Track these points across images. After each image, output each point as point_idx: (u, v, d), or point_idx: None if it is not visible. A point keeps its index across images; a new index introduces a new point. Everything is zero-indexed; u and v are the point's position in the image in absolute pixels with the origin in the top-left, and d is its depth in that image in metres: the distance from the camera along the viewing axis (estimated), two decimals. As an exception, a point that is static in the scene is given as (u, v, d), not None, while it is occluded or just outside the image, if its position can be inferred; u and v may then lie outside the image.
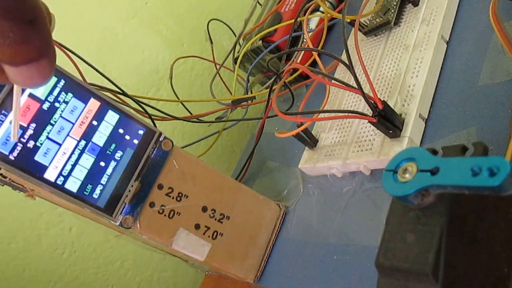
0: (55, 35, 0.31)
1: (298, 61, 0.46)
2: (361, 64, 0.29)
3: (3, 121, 0.26)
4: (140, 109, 0.36)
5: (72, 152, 0.29)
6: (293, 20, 0.39)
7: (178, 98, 0.51)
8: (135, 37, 0.60)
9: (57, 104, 0.28)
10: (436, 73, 0.32)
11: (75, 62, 0.33)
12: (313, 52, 0.39)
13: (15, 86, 0.18)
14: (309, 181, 0.38)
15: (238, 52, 0.52)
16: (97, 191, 0.29)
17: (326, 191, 0.35)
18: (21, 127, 0.27)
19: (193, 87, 0.65)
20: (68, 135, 0.29)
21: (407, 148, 0.24)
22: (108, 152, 0.30)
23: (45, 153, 0.28)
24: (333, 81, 0.29)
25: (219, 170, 0.36)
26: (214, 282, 0.43)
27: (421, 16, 0.35)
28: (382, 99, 0.28)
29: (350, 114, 0.30)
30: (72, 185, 0.28)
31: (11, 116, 0.26)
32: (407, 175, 0.16)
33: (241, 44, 0.54)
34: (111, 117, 0.30)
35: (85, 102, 0.29)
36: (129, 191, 0.30)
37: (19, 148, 0.27)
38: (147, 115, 0.37)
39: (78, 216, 0.34)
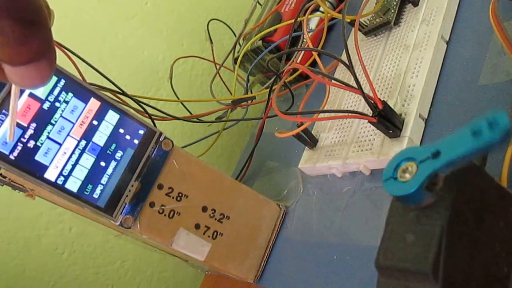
0: (55, 35, 0.31)
1: (298, 61, 0.46)
2: (361, 64, 0.29)
3: (3, 121, 0.26)
4: (140, 109, 0.36)
5: (73, 152, 0.29)
6: (293, 20, 0.39)
7: (178, 98, 0.51)
8: (135, 37, 0.60)
9: (57, 104, 0.28)
10: (436, 73, 0.32)
11: (75, 62, 0.33)
12: (313, 52, 0.39)
13: (13, 86, 0.18)
14: (309, 181, 0.38)
15: (238, 52, 0.52)
16: (98, 191, 0.29)
17: (326, 191, 0.35)
18: (21, 127, 0.27)
19: (193, 87, 0.65)
20: (68, 135, 0.29)
21: (407, 148, 0.24)
22: (108, 152, 0.30)
23: (46, 153, 0.28)
24: (333, 81, 0.30)
25: (219, 170, 0.36)
26: (214, 282, 0.43)
27: (421, 16, 0.35)
28: (382, 99, 0.29)
29: (350, 114, 0.30)
30: (73, 185, 0.28)
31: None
32: (407, 175, 0.16)
33: (241, 44, 0.54)
34: (112, 117, 0.30)
35: (86, 102, 0.29)
36: (129, 191, 0.30)
37: (19, 148, 0.27)
38: (147, 115, 0.37)
39: (78, 216, 0.34)
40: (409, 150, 0.17)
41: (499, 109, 0.14)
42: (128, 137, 0.31)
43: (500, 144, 0.14)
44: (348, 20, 0.38)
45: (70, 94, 0.29)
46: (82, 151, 0.29)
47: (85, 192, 0.29)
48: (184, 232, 0.33)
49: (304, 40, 0.47)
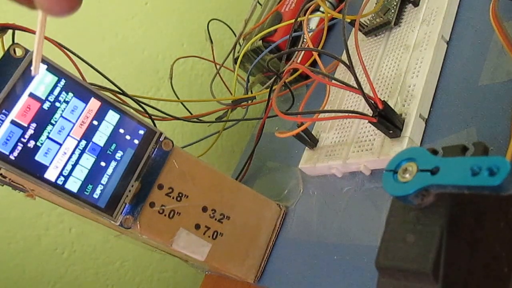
0: (55, 36, 0.31)
1: (298, 61, 0.46)
2: (361, 64, 0.29)
3: (3, 121, 0.26)
4: (140, 109, 0.36)
5: (73, 152, 0.29)
6: (293, 20, 0.39)
7: (178, 98, 0.51)
8: (135, 37, 0.60)
9: (57, 104, 0.28)
10: (436, 73, 0.32)
11: (75, 62, 0.33)
12: (313, 52, 0.39)
13: (40, 13, 0.16)
14: (309, 181, 0.38)
15: (238, 52, 0.52)
16: (98, 191, 0.29)
17: (326, 191, 0.35)
18: (21, 127, 0.27)
19: (193, 87, 0.65)
20: (68, 135, 0.29)
21: (407, 148, 0.24)
22: (108, 152, 0.30)
23: (46, 153, 0.28)
24: (333, 81, 0.30)
25: (219, 170, 0.36)
26: (214, 282, 0.43)
27: (421, 16, 0.35)
28: (382, 99, 0.28)
29: (350, 114, 0.30)
30: (73, 185, 0.28)
31: (12, 115, 0.26)
32: (407, 175, 0.16)
33: (241, 44, 0.54)
34: (112, 117, 0.30)
35: (86, 102, 0.29)
36: (130, 191, 0.30)
37: (19, 148, 0.26)
38: (147, 115, 0.37)
39: (78, 216, 0.34)
40: (411, 150, 0.17)
41: (502, 157, 0.14)
42: (128, 137, 0.31)
43: (498, 190, 0.13)
44: (348, 20, 0.38)
45: (70, 94, 0.29)
46: (82, 151, 0.29)
47: (85, 192, 0.29)
48: (184, 232, 0.33)
49: (304, 40, 0.47)
